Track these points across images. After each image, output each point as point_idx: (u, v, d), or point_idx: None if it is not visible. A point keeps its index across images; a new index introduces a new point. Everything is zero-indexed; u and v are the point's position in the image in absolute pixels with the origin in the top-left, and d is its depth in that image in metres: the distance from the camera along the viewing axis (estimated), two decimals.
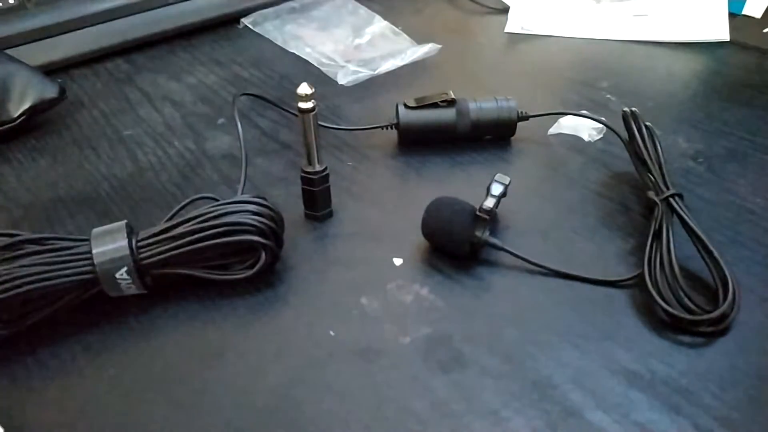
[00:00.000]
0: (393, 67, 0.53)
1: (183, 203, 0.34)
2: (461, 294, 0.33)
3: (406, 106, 0.43)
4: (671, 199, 0.35)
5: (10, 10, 0.54)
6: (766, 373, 0.29)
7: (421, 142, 0.44)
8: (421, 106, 0.43)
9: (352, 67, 0.53)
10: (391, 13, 0.61)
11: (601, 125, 0.44)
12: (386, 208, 0.39)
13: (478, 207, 0.34)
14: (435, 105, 0.43)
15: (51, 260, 0.31)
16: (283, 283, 0.34)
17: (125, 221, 0.32)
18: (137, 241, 0.32)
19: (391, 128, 0.44)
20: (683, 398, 0.28)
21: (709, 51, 0.55)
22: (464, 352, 0.30)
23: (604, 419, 0.27)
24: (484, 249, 0.35)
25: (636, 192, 0.39)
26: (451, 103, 0.43)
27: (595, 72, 0.52)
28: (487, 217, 0.33)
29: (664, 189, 0.35)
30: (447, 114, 0.43)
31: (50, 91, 0.47)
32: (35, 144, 0.46)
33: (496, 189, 0.34)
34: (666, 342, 0.30)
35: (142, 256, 0.31)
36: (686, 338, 0.30)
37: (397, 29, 0.58)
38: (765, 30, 0.56)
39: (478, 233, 0.34)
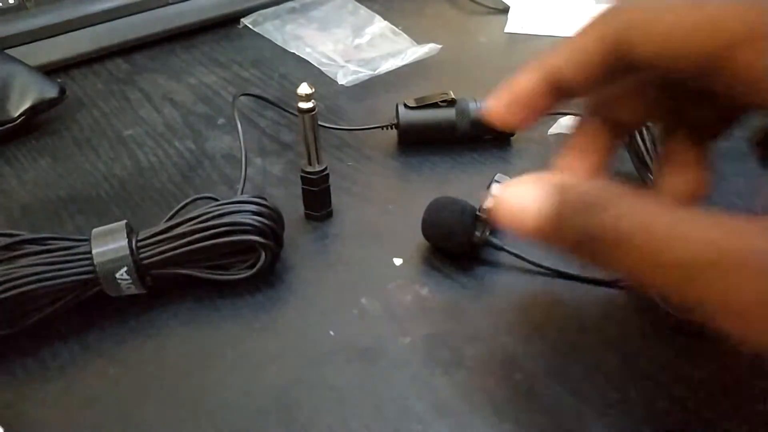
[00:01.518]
0: (393, 67, 0.53)
1: (183, 203, 0.34)
2: (461, 294, 0.33)
3: (406, 106, 0.43)
4: None
5: (9, 10, 0.54)
6: None
7: (421, 142, 0.44)
8: (421, 106, 0.43)
9: (352, 67, 0.53)
10: (392, 13, 0.61)
11: None
12: (386, 208, 0.39)
13: (478, 207, 0.34)
14: (435, 105, 0.43)
15: (51, 260, 0.31)
16: (283, 283, 0.34)
17: (125, 221, 0.32)
18: (137, 241, 0.32)
19: (391, 128, 0.44)
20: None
21: None
22: (464, 352, 0.30)
23: (604, 419, 0.27)
24: (485, 249, 0.35)
25: None
26: (451, 103, 0.43)
27: None
28: (487, 217, 0.33)
29: None
30: (447, 114, 0.43)
31: (50, 91, 0.47)
32: (35, 144, 0.46)
33: (496, 189, 0.34)
34: (666, 342, 0.30)
35: (142, 256, 0.31)
36: (686, 339, 0.30)
37: (397, 29, 0.58)
38: None
39: (478, 233, 0.34)
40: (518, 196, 0.23)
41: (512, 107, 0.26)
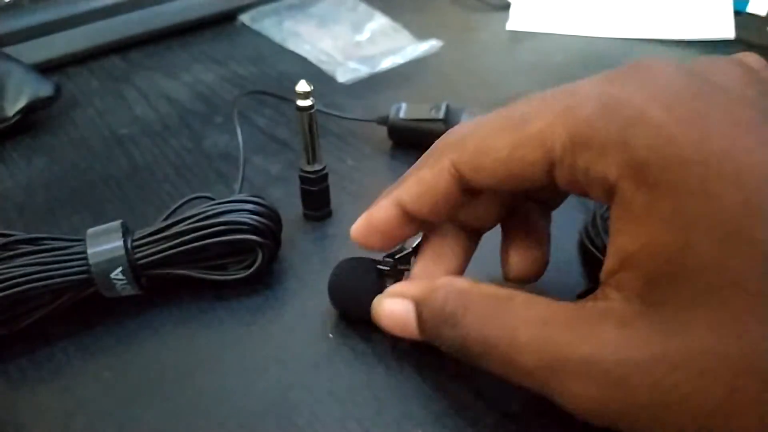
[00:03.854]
0: (393, 65, 0.52)
1: (179, 202, 0.34)
2: None
3: (397, 111, 0.42)
4: None
5: (5, 8, 0.54)
6: None
7: (409, 144, 0.43)
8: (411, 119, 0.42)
9: (351, 64, 0.52)
10: (392, 9, 0.61)
11: None
12: None
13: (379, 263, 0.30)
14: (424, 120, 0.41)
15: (46, 260, 0.30)
16: (281, 284, 0.34)
17: (121, 221, 0.32)
18: (133, 241, 0.31)
19: (382, 124, 0.43)
20: None
21: (713, 49, 0.54)
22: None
23: None
24: None
25: None
26: (440, 121, 0.41)
27: (598, 70, 0.51)
28: (386, 268, 0.30)
29: None
30: (437, 125, 0.41)
31: (45, 89, 0.46)
32: (30, 143, 0.46)
33: (411, 242, 0.30)
34: None
35: (137, 256, 0.31)
36: None
37: (397, 26, 0.58)
38: None
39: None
40: (391, 311, 0.26)
41: (371, 235, 0.27)
